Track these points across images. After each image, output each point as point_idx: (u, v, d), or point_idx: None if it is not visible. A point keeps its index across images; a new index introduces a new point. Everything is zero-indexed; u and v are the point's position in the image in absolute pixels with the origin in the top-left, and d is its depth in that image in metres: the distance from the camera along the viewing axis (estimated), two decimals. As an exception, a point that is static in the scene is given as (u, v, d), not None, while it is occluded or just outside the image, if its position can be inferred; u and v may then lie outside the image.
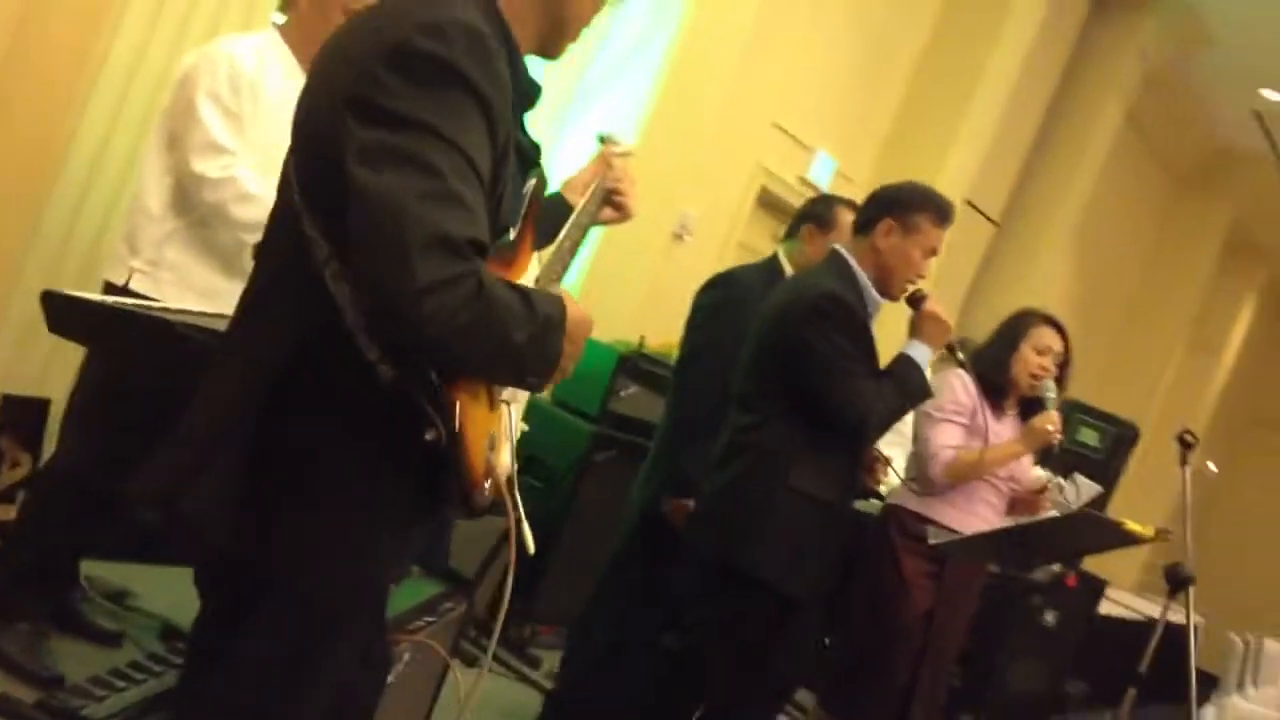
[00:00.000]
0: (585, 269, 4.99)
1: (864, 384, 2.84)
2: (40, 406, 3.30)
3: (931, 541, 3.11)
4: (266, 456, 1.40)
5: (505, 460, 1.53)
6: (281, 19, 2.92)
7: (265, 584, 1.43)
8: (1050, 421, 3.22)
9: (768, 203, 6.24)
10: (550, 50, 1.60)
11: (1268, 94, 8.25)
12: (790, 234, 3.50)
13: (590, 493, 4.29)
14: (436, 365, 1.37)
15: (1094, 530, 3.14)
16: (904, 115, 6.73)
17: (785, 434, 2.89)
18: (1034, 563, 3.00)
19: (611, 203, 2.02)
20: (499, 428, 1.52)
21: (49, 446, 3.32)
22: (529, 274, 1.61)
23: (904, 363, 2.93)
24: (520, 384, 1.49)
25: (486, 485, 1.47)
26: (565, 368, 1.43)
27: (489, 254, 1.36)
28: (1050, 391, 3.31)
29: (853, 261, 2.94)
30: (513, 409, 1.59)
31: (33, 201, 3.11)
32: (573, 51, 3.02)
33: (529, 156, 1.56)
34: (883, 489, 3.25)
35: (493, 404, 1.50)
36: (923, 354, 2.95)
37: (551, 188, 2.05)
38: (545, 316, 1.38)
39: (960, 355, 3.15)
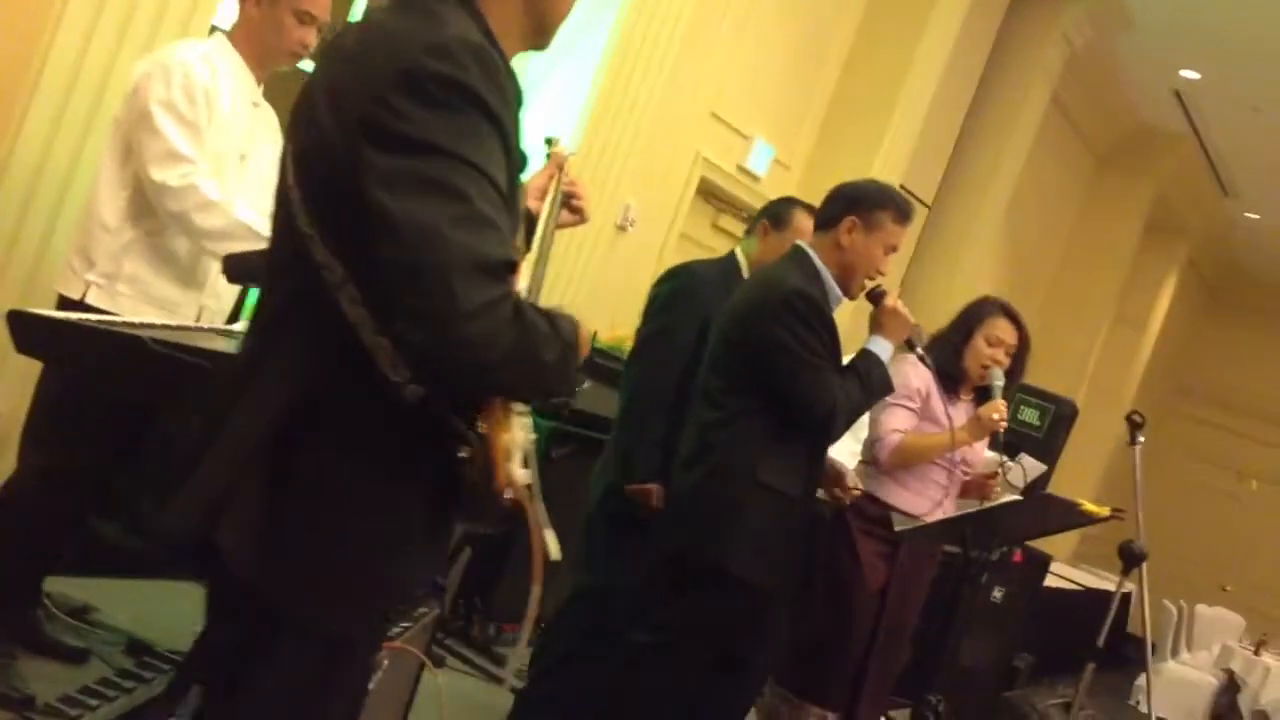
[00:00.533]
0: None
1: (831, 379, 2.89)
2: (-13, 422, 3.23)
3: (897, 529, 3.18)
4: (290, 484, 1.40)
5: (521, 469, 1.55)
6: (222, 24, 2.88)
7: (285, 614, 1.43)
8: (995, 410, 3.30)
9: (707, 192, 6.28)
10: (538, 44, 1.60)
11: (1186, 74, 8.47)
12: (748, 232, 3.57)
13: (549, 489, 4.28)
14: (477, 387, 1.40)
15: (1053, 512, 3.23)
16: (838, 103, 6.81)
17: (752, 430, 2.92)
18: (993, 545, 3.09)
19: (569, 206, 2.05)
20: (513, 438, 1.53)
21: (0, 461, 3.27)
22: (521, 282, 1.62)
23: (867, 358, 2.98)
24: (546, 402, 1.53)
25: (508, 495, 1.48)
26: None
27: (517, 272, 1.38)
28: (998, 380, 3.39)
29: (816, 258, 2.98)
30: (524, 418, 1.60)
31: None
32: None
33: (520, 166, 1.56)
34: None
35: (508, 415, 1.51)
36: (884, 348, 3.00)
37: None
38: (566, 336, 1.42)
39: (919, 350, 3.21)
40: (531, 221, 2.04)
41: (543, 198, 2.07)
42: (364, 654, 1.57)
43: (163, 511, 1.47)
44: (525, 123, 1.59)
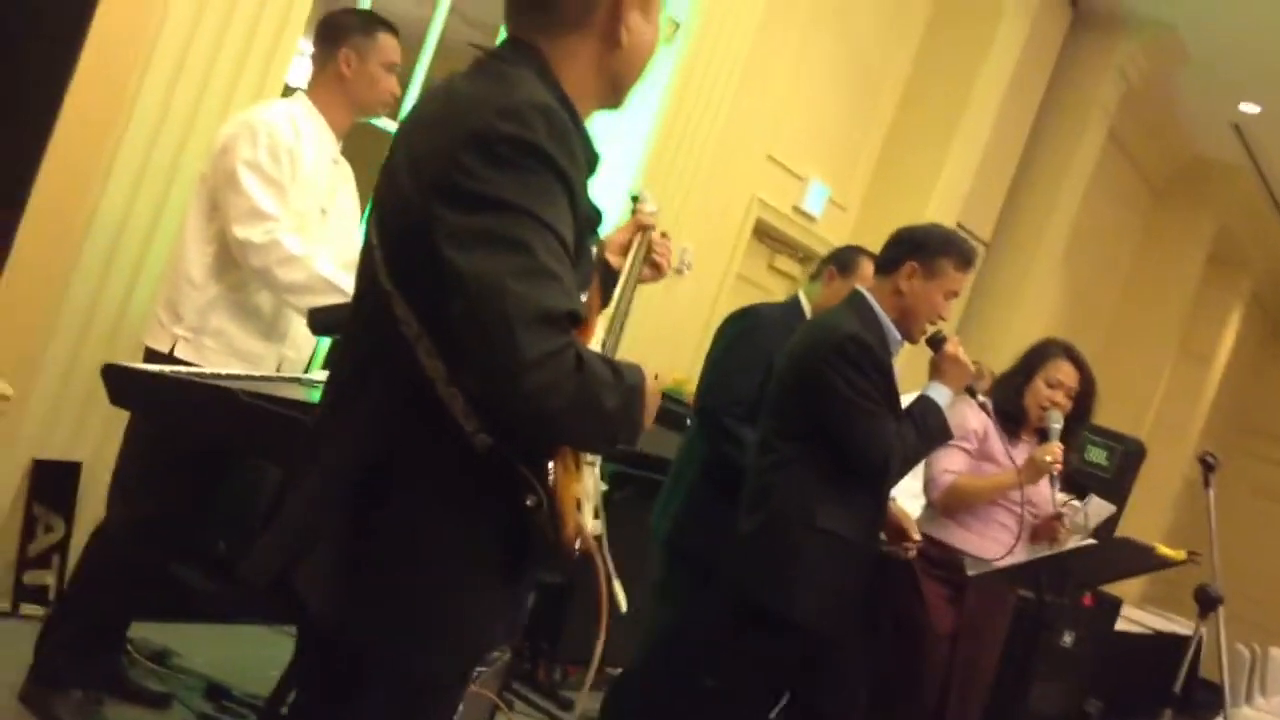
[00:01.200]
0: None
1: (886, 425, 2.88)
2: (71, 470, 3.32)
3: (970, 572, 3.16)
4: (370, 530, 1.44)
5: (591, 519, 1.57)
6: (299, 83, 2.97)
7: (372, 657, 1.47)
8: (1050, 452, 3.27)
9: (763, 233, 6.32)
10: (612, 104, 1.64)
11: (1245, 107, 8.39)
12: (814, 276, 3.61)
13: (611, 531, 4.31)
14: (541, 435, 1.43)
15: (1128, 556, 3.19)
16: (893, 142, 6.83)
17: (809, 475, 2.92)
18: (1068, 590, 3.05)
19: (650, 262, 2.08)
20: (583, 488, 1.56)
21: (81, 510, 3.35)
22: (597, 335, 1.66)
23: (924, 404, 2.97)
24: (610, 451, 1.55)
25: (577, 545, 1.50)
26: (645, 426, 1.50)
27: (581, 324, 1.41)
28: (1055, 423, 3.36)
29: (874, 303, 2.98)
30: (594, 468, 1.63)
31: (59, 273, 3.14)
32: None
33: (593, 223, 1.60)
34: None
35: (578, 465, 1.54)
36: (943, 395, 2.99)
37: None
38: (630, 385, 1.44)
39: (979, 398, 3.20)
40: (612, 276, 2.07)
41: (624, 253, 2.10)
42: (449, 697, 1.60)
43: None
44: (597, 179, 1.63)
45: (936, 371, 3.01)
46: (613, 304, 1.91)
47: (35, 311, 3.14)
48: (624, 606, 1.64)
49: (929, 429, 2.95)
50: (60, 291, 3.16)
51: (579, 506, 1.53)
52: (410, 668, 1.48)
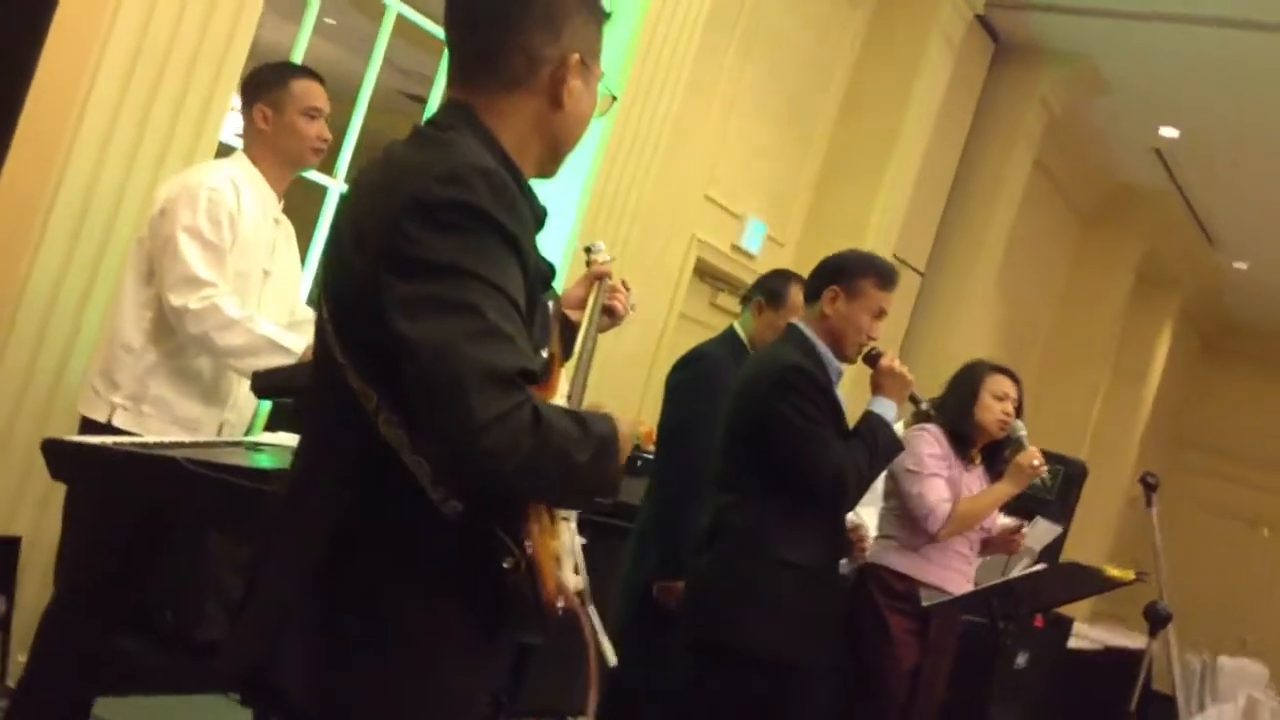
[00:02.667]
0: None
1: (835, 447, 2.92)
2: (10, 546, 3.24)
3: (925, 604, 3.18)
4: (341, 609, 1.41)
5: (573, 575, 1.56)
6: (228, 137, 2.95)
7: None
8: (1034, 458, 3.34)
9: (704, 272, 6.36)
10: (548, 171, 1.65)
11: (1165, 132, 8.62)
12: (744, 306, 3.62)
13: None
14: (504, 495, 1.40)
15: (1079, 579, 3.24)
16: (826, 178, 6.93)
17: (765, 508, 2.94)
18: (1020, 613, 3.09)
19: (607, 309, 2.09)
20: (560, 544, 1.54)
21: (22, 585, 3.26)
22: (560, 390, 1.65)
23: (870, 419, 3.02)
24: (587, 505, 1.52)
25: (559, 603, 1.48)
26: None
27: (537, 381, 1.39)
28: (1022, 431, 3.43)
29: (809, 333, 3.04)
30: (571, 523, 1.61)
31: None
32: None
33: (546, 278, 1.60)
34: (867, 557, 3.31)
35: (554, 521, 1.52)
36: (887, 408, 3.04)
37: None
38: (599, 436, 1.42)
39: (924, 405, 3.24)
40: (572, 330, 2.08)
41: (581, 307, 2.11)
42: None
43: (224, 649, 1.48)
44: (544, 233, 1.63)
45: (876, 387, 3.07)
46: (575, 356, 1.92)
47: (-33, 384, 3.07)
48: (612, 661, 1.62)
49: (879, 444, 2.99)
50: (-8, 362, 3.10)
51: (559, 563, 1.50)
52: None
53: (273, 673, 1.42)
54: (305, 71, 2.84)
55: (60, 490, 2.74)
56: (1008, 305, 9.29)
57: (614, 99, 1.75)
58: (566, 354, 1.92)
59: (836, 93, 6.88)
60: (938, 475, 3.35)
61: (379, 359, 1.38)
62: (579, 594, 1.55)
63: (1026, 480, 3.36)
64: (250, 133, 2.80)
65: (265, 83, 2.79)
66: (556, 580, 1.47)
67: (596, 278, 2.14)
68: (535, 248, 1.51)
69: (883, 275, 3.06)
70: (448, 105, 1.57)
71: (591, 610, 1.61)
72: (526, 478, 1.35)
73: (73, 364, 3.19)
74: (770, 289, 3.55)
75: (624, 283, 2.13)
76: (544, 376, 1.54)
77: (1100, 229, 10.24)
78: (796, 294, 3.43)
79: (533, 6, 1.53)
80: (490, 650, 1.51)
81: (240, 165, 2.76)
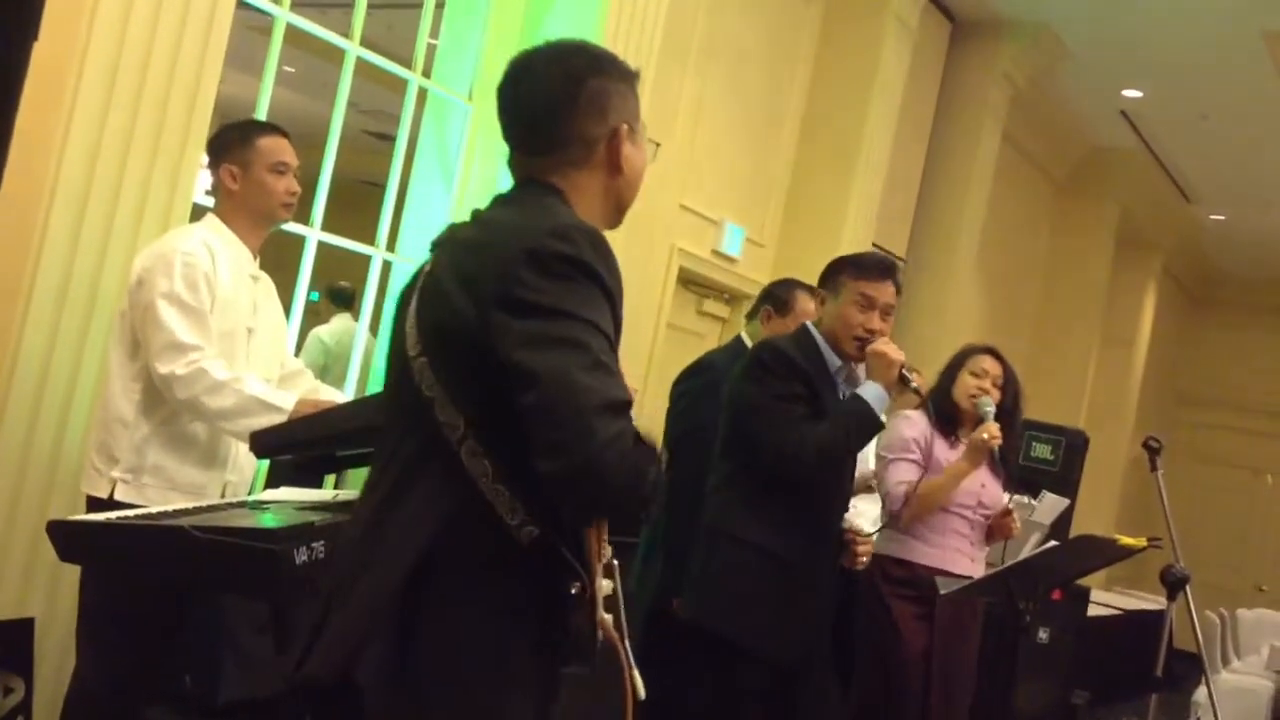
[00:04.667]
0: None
1: (798, 422, 2.93)
2: (24, 628, 3.22)
3: (942, 592, 3.19)
4: (419, 630, 1.55)
5: (607, 612, 1.64)
6: (201, 199, 2.94)
7: None
8: (986, 430, 3.37)
9: (688, 280, 6.37)
10: (614, 224, 1.86)
11: (1129, 93, 8.66)
12: (751, 316, 3.65)
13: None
14: (601, 514, 1.59)
15: (1091, 550, 3.24)
16: (799, 175, 6.95)
17: (740, 492, 2.99)
18: (1038, 591, 3.10)
19: None
20: (600, 582, 1.64)
21: (40, 666, 3.25)
22: None
23: (849, 399, 3.03)
24: (640, 522, 1.69)
25: (601, 634, 1.61)
26: None
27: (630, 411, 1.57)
28: (988, 406, 3.47)
29: (815, 332, 3.09)
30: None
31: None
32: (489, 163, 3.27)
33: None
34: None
35: (601, 555, 1.64)
36: (872, 390, 3.02)
37: None
38: (659, 462, 1.60)
39: (913, 384, 3.24)
40: None
41: None
42: None
43: (303, 663, 1.61)
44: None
45: (867, 370, 3.09)
46: None
47: (-35, 471, 3.06)
48: (642, 694, 1.67)
49: (850, 416, 2.98)
50: (-13, 451, 3.08)
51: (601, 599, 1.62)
52: None
53: (358, 678, 1.55)
54: (270, 128, 2.84)
55: (70, 567, 2.74)
56: (993, 284, 9.32)
57: (657, 145, 1.93)
58: None
59: (799, 90, 6.91)
60: (904, 459, 3.41)
61: (475, 392, 1.58)
62: (617, 626, 1.64)
63: (981, 455, 3.41)
64: (220, 192, 2.81)
65: (230, 142, 2.79)
66: (601, 613, 1.60)
67: None
68: (622, 300, 1.72)
69: (858, 266, 3.12)
70: (527, 182, 1.77)
71: (628, 645, 1.67)
72: (624, 493, 1.52)
73: (69, 439, 3.17)
74: (777, 297, 3.61)
75: None
76: None
77: (1076, 196, 10.28)
78: (804, 300, 3.49)
79: (579, 100, 1.74)
80: (549, 678, 1.62)
81: (211, 227, 2.76)
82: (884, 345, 3.06)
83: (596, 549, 1.59)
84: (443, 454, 1.58)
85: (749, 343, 3.54)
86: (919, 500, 3.38)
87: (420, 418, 1.61)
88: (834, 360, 3.06)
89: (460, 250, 1.70)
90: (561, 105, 1.74)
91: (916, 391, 3.27)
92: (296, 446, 2.46)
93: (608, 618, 1.61)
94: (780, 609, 2.91)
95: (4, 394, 3.09)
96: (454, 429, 1.58)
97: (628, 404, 1.54)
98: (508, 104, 1.78)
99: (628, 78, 1.82)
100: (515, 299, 1.56)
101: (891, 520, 3.42)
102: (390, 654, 1.54)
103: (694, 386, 3.49)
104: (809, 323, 3.17)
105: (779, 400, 2.93)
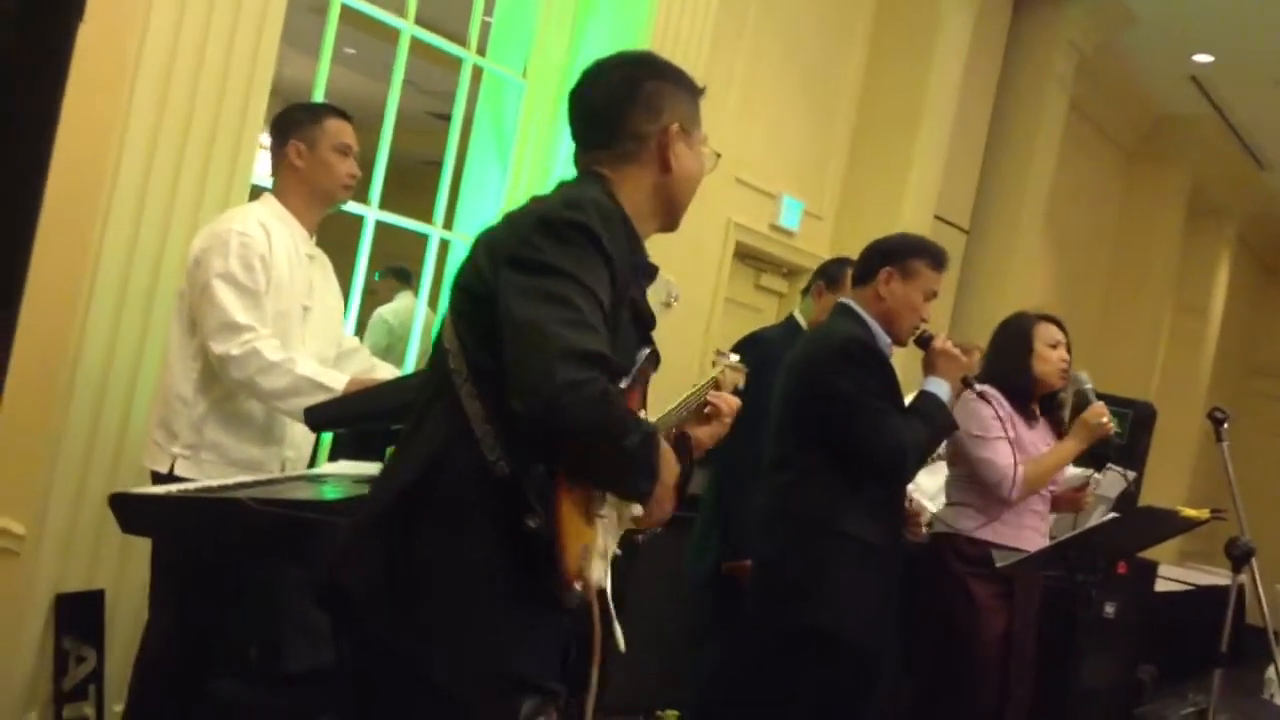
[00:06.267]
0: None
1: (895, 420, 2.91)
2: (95, 600, 3.32)
3: (998, 564, 3.14)
4: (404, 544, 1.68)
5: (599, 573, 1.69)
6: (260, 179, 2.99)
7: (409, 679, 1.66)
8: (1101, 414, 3.28)
9: (745, 255, 6.34)
10: (669, 226, 1.96)
11: (1199, 58, 8.45)
12: (805, 292, 3.63)
13: (640, 574, 4.31)
14: (567, 457, 1.64)
15: (1152, 523, 3.18)
16: (858, 146, 6.86)
17: (827, 484, 2.93)
18: (1098, 565, 3.04)
19: (702, 416, 2.08)
20: (594, 542, 1.68)
21: (111, 637, 3.34)
22: None
23: (926, 398, 3.01)
24: (628, 490, 1.70)
25: (578, 586, 1.67)
26: (665, 506, 1.72)
27: (613, 368, 1.64)
28: (1088, 383, 3.37)
29: (861, 310, 3.02)
30: (611, 528, 1.67)
31: (54, 406, 3.14)
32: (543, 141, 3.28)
33: (646, 324, 1.88)
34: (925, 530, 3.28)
35: (590, 519, 1.69)
36: (941, 388, 3.02)
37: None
38: (647, 431, 1.66)
39: (976, 387, 3.21)
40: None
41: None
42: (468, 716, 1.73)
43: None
44: (652, 291, 1.94)
45: (930, 368, 3.06)
46: (655, 417, 1.94)
47: (34, 447, 3.14)
48: (622, 647, 1.76)
49: (935, 420, 2.98)
50: (58, 425, 3.16)
51: (586, 554, 1.66)
52: (443, 692, 1.66)
53: (343, 581, 1.72)
54: (337, 111, 2.91)
55: (138, 540, 2.81)
56: (1061, 253, 9.16)
57: (718, 156, 2.02)
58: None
59: (858, 60, 6.81)
60: (1002, 438, 3.29)
61: (482, 339, 1.69)
62: (600, 590, 1.70)
63: (1093, 438, 3.31)
64: (282, 170, 2.84)
65: (299, 120, 2.85)
66: (579, 565, 1.66)
67: (711, 382, 2.15)
68: (639, 290, 1.83)
69: (936, 257, 3.07)
70: (585, 174, 1.89)
71: (610, 603, 1.75)
72: (588, 439, 1.59)
73: (134, 418, 3.25)
74: (830, 274, 3.59)
75: (728, 370, 2.14)
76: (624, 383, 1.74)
77: (1146, 165, 10.05)
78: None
79: (637, 99, 1.87)
80: (520, 611, 1.68)
81: (268, 206, 2.81)
82: (950, 345, 3.05)
83: (569, 494, 1.65)
84: (448, 396, 1.72)
85: (802, 320, 3.52)
86: (1032, 480, 3.28)
87: (440, 368, 1.76)
88: (884, 340, 3.03)
89: (500, 224, 1.83)
90: (620, 102, 1.87)
91: (981, 394, 3.21)
92: (349, 420, 2.51)
93: (598, 578, 1.69)
94: (872, 596, 2.91)
95: (71, 373, 3.17)
96: (459, 374, 1.72)
97: (600, 357, 1.60)
98: (575, 103, 1.92)
99: (688, 86, 1.95)
100: (521, 257, 1.68)
101: (993, 503, 3.30)
102: (376, 567, 1.68)
103: (746, 362, 3.46)
104: (851, 302, 3.08)
105: (874, 397, 2.91)
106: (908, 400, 3.10)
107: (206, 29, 3.29)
